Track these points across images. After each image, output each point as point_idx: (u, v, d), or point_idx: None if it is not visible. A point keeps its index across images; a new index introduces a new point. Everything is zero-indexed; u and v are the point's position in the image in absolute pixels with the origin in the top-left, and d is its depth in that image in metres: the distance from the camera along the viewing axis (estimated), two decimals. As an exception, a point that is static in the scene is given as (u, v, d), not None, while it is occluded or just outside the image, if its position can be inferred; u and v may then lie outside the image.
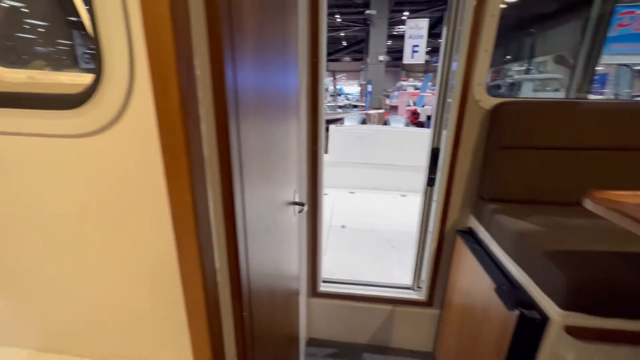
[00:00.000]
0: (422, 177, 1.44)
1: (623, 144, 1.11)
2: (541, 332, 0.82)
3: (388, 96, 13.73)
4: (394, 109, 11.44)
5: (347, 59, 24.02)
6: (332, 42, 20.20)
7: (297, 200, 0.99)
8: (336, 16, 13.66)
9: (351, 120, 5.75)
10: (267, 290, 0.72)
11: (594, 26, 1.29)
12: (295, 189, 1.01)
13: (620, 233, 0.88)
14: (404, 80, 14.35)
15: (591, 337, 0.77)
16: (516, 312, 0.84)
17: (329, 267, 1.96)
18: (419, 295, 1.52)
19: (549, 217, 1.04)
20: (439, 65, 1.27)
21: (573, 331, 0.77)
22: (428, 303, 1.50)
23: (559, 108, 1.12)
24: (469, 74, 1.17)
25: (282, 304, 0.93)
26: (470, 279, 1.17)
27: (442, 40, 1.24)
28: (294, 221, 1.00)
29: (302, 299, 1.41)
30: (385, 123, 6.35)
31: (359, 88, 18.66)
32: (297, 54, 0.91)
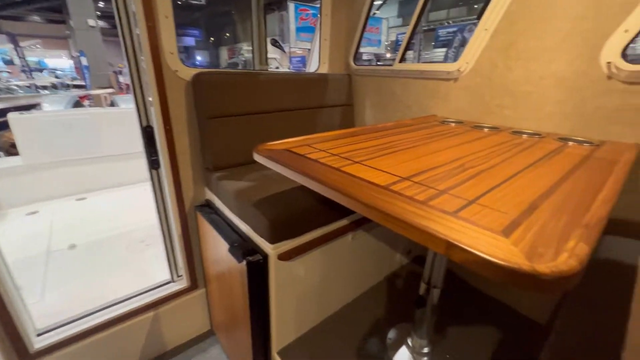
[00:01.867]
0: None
1: (292, 106, 1.47)
2: (266, 268, 0.98)
3: (120, 72, 11.40)
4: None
5: (36, 18, 17.15)
6: (-3, -11, 13.52)
7: None
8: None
9: (56, 104, 4.20)
10: None
11: (256, 17, 1.60)
12: None
13: None
14: (135, 54, 12.29)
15: (295, 254, 1.01)
16: (244, 262, 0.95)
17: (59, 308, 1.44)
18: (181, 284, 1.43)
19: (257, 173, 1.22)
20: (119, 33, 1.08)
21: (283, 256, 0.97)
22: (192, 287, 1.45)
23: (245, 78, 1.29)
24: (156, 42, 1.08)
25: None
26: (215, 247, 1.21)
27: (113, 5, 1.05)
28: None
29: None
30: (112, 104, 5.24)
31: (72, 62, 14.08)
32: None
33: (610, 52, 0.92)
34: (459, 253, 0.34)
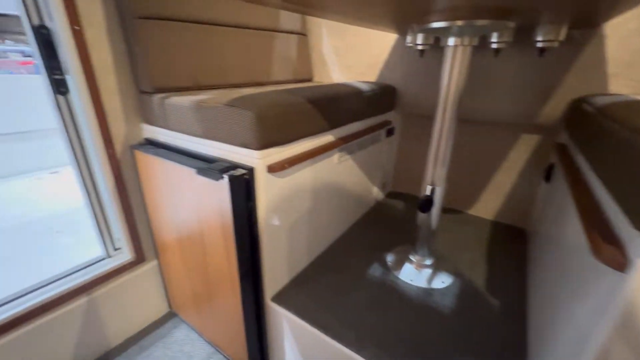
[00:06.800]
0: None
1: (244, 22, 1.23)
2: (252, 186, 0.77)
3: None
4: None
5: None
6: None
7: None
8: None
9: None
10: None
11: None
12: None
13: None
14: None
15: (287, 165, 0.81)
16: (225, 178, 0.72)
17: None
18: (123, 258, 1.09)
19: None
20: None
21: (274, 167, 0.77)
22: (139, 259, 1.12)
23: None
24: None
25: None
26: (168, 186, 0.93)
27: None
28: None
29: None
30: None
31: None
32: None
33: None
34: None
